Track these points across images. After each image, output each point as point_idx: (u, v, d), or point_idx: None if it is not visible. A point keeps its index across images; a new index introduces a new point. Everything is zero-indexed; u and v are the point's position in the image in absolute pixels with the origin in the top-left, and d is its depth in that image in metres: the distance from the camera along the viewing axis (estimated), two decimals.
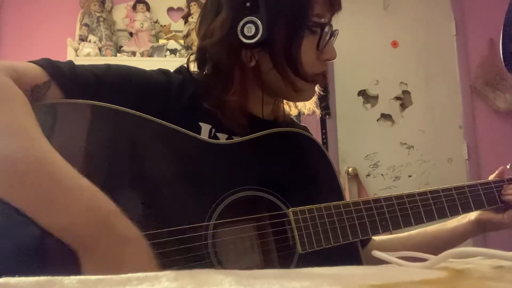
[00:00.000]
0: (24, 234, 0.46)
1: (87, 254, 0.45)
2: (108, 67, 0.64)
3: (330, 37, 0.69)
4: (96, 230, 0.45)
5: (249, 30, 0.63)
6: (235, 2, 0.65)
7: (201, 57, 0.71)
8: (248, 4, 0.63)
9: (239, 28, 0.64)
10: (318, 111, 0.81)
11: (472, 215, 0.80)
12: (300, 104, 0.80)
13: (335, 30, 0.70)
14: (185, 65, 0.74)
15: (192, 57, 0.73)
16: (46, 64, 0.58)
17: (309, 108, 0.80)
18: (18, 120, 0.48)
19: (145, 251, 0.47)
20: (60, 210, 0.45)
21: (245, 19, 0.64)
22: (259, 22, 0.63)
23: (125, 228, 0.47)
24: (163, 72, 0.70)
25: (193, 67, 0.73)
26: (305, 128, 0.82)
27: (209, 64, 0.69)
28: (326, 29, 0.67)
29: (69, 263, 0.45)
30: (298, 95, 0.71)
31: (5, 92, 0.49)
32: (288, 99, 0.77)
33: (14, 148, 0.46)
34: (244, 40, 0.64)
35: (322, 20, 0.67)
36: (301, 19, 0.65)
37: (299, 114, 0.85)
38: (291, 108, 0.81)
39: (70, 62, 0.62)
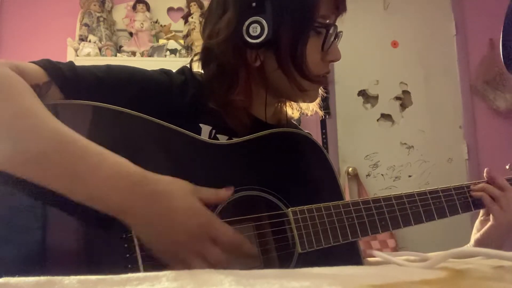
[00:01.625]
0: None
1: (127, 216, 0.48)
2: (108, 67, 0.64)
3: (334, 38, 0.69)
4: (126, 192, 0.48)
5: (255, 30, 0.63)
6: (241, 2, 0.65)
7: (206, 57, 0.71)
8: (254, 4, 0.64)
9: (244, 28, 0.64)
10: (321, 112, 0.81)
11: (472, 240, 0.81)
12: (303, 106, 0.81)
13: (340, 32, 0.70)
14: (188, 66, 0.74)
15: (196, 57, 0.73)
16: (47, 65, 0.58)
17: (312, 109, 0.81)
18: (30, 106, 0.50)
19: (182, 195, 0.51)
20: (85, 181, 0.47)
21: (251, 19, 0.64)
22: (264, 22, 0.63)
23: (154, 182, 0.50)
24: (165, 72, 0.70)
25: (196, 68, 0.73)
26: (309, 135, 0.82)
27: (213, 64, 0.69)
28: (331, 30, 0.67)
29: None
30: (303, 96, 0.71)
31: (13, 83, 0.51)
32: (293, 100, 0.77)
33: (30, 130, 0.48)
34: (250, 40, 0.64)
35: (327, 21, 0.67)
36: (307, 19, 0.65)
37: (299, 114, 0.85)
38: (293, 111, 0.81)
39: (71, 63, 0.62)
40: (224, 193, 0.56)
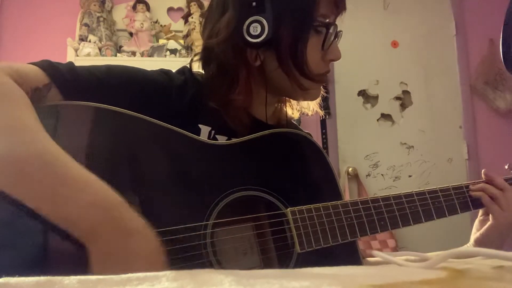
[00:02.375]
0: (30, 231, 0.46)
1: (94, 246, 0.45)
2: (108, 68, 0.64)
3: (334, 38, 0.69)
4: (102, 222, 0.46)
5: (255, 29, 0.64)
6: (241, 1, 0.65)
7: (206, 57, 0.71)
8: (254, 3, 0.64)
9: (244, 27, 0.64)
10: (321, 112, 0.81)
11: (471, 240, 0.81)
12: (303, 105, 0.81)
13: (339, 31, 0.70)
14: (188, 66, 0.74)
15: (196, 57, 0.73)
16: (47, 67, 0.58)
17: (313, 109, 0.81)
18: (20, 118, 0.48)
19: (153, 241, 0.48)
20: (66, 203, 0.45)
21: (251, 19, 0.64)
22: (264, 22, 0.63)
23: (131, 219, 0.47)
24: (165, 73, 0.70)
25: (197, 68, 0.73)
26: (309, 135, 0.82)
27: (214, 64, 0.69)
28: (331, 30, 0.67)
29: (77, 258, 0.45)
30: (305, 94, 0.71)
31: (6, 92, 0.50)
32: (294, 98, 0.77)
33: (17, 144, 0.46)
34: (250, 39, 0.64)
35: (327, 20, 0.67)
36: (307, 18, 0.65)
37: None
38: (293, 111, 0.81)
39: (70, 63, 0.62)
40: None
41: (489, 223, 0.78)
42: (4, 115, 0.48)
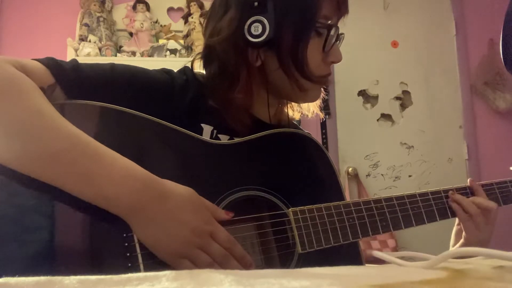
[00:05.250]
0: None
1: (135, 217, 0.49)
2: (112, 67, 0.64)
3: (336, 40, 0.69)
4: (139, 191, 0.49)
5: (256, 29, 0.64)
6: (243, 1, 0.65)
7: (208, 55, 0.71)
8: (256, 3, 0.64)
9: (246, 27, 0.64)
10: (322, 115, 0.81)
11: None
12: (304, 108, 0.81)
13: (341, 34, 0.70)
14: (189, 66, 0.74)
15: (198, 56, 0.73)
16: (51, 65, 0.58)
17: (313, 112, 0.81)
18: (41, 106, 0.50)
19: (188, 196, 0.53)
20: (100, 181, 0.48)
21: (253, 18, 0.64)
22: (266, 22, 0.63)
23: (161, 185, 0.52)
24: (166, 72, 0.70)
25: (198, 67, 0.73)
26: (309, 135, 0.82)
27: (215, 62, 0.70)
28: (333, 32, 0.67)
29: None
30: (304, 96, 0.71)
31: (21, 83, 0.51)
32: (294, 100, 0.77)
33: (44, 130, 0.49)
34: (251, 39, 0.64)
35: (329, 22, 0.67)
36: (308, 20, 0.65)
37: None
38: (294, 112, 0.81)
39: (74, 61, 0.62)
40: (223, 214, 0.56)
41: (461, 240, 0.76)
42: (26, 103, 0.50)
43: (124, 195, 0.49)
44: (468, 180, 0.78)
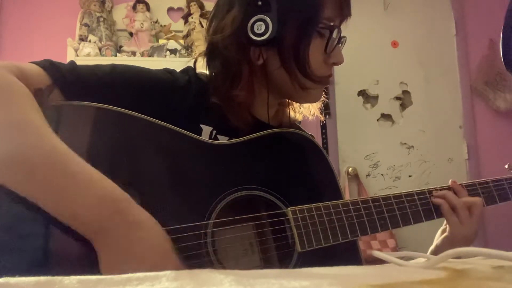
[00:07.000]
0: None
1: (101, 241, 0.47)
2: (113, 68, 0.64)
3: (338, 42, 0.69)
4: (110, 216, 0.47)
5: (259, 28, 0.64)
6: (247, 0, 0.66)
7: (211, 52, 0.71)
8: (259, 2, 0.64)
9: (249, 25, 0.64)
10: (322, 117, 0.82)
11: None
12: (305, 109, 0.81)
13: (343, 36, 0.70)
14: (192, 66, 0.74)
15: (200, 55, 0.74)
16: (49, 67, 0.58)
17: (313, 113, 0.81)
18: (27, 116, 0.49)
19: (159, 233, 0.50)
20: (72, 200, 0.46)
21: (256, 17, 0.64)
22: (269, 21, 0.64)
23: (136, 213, 0.49)
24: (169, 72, 0.71)
25: (200, 67, 0.74)
26: (311, 136, 0.82)
27: (218, 59, 0.70)
28: (335, 33, 0.67)
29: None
30: (306, 95, 0.71)
31: (13, 90, 0.51)
32: (295, 100, 0.77)
33: (24, 143, 0.47)
34: (254, 38, 0.64)
35: (331, 23, 0.67)
36: (311, 20, 0.65)
37: None
38: (296, 114, 0.81)
39: (72, 63, 0.62)
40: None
41: (444, 234, 0.75)
42: (12, 112, 0.49)
43: (93, 217, 0.46)
44: (450, 181, 0.77)
